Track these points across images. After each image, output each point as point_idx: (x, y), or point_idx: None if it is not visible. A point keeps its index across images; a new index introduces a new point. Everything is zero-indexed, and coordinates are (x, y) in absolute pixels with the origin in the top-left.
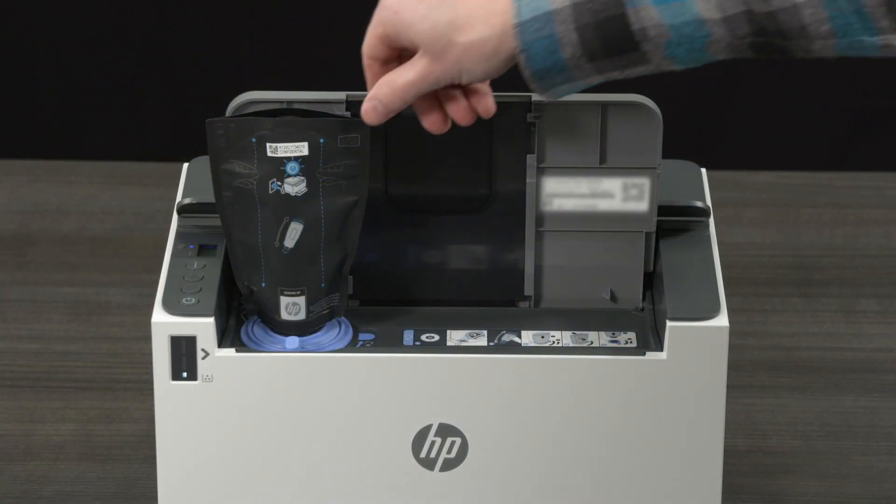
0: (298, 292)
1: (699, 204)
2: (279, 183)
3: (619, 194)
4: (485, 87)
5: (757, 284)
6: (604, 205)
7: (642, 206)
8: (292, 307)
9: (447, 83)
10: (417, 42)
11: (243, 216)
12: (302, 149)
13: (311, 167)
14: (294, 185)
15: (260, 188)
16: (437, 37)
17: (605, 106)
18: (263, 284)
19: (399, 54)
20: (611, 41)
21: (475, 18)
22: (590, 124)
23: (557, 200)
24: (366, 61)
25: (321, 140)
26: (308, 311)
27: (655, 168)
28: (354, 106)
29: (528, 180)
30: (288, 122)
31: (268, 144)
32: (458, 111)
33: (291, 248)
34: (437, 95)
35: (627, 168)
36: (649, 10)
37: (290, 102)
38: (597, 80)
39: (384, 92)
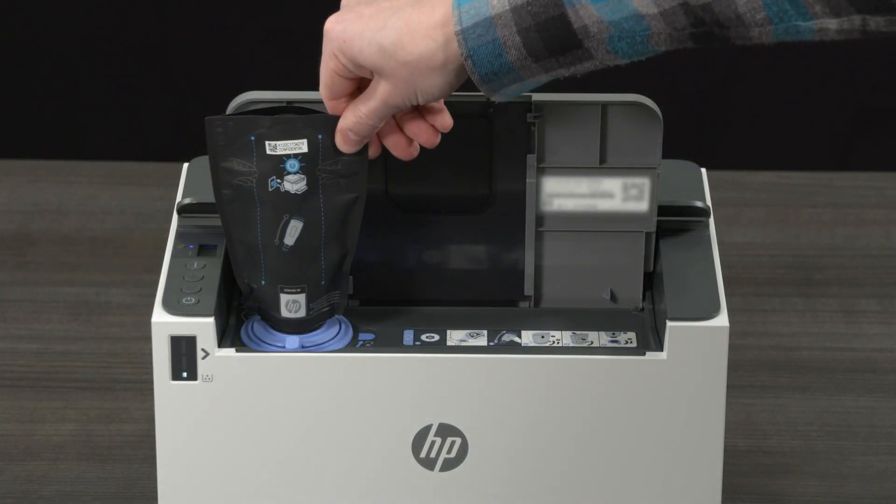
0: (298, 290)
1: (699, 204)
2: (279, 181)
3: (619, 194)
4: (439, 104)
5: (757, 284)
6: (604, 205)
7: (642, 206)
8: (292, 304)
9: (407, 104)
10: (369, 66)
11: (243, 214)
12: (301, 146)
13: (311, 164)
14: (294, 183)
15: (259, 186)
16: (386, 58)
17: (605, 106)
18: (263, 282)
19: (358, 85)
20: (554, 41)
21: (418, 34)
22: (590, 124)
23: (557, 200)
24: (329, 105)
25: (320, 137)
26: (308, 309)
27: (655, 168)
28: None
29: (528, 180)
30: (287, 119)
31: (267, 143)
32: (421, 132)
33: (291, 246)
34: (396, 120)
35: (627, 168)
36: (588, 8)
37: (290, 102)
38: (545, 78)
39: (351, 121)
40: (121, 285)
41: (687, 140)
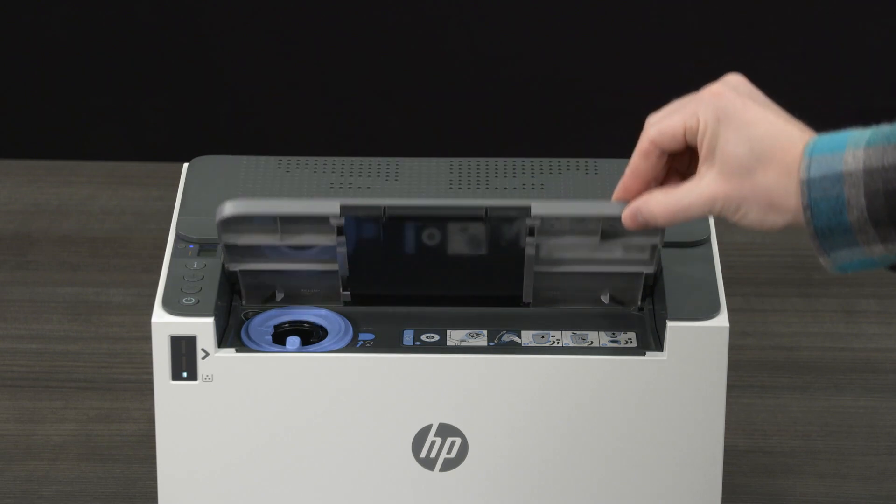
0: None
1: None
2: None
3: (622, 255)
4: None
5: (757, 284)
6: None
7: (644, 256)
8: None
9: (726, 216)
10: (728, 149)
11: None
12: None
13: None
14: None
15: None
16: (751, 161)
17: (606, 219)
18: None
19: (684, 152)
20: None
21: (779, 165)
22: (591, 230)
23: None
24: (647, 146)
25: None
26: None
27: (657, 244)
28: (347, 210)
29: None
30: None
31: None
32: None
33: None
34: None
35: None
36: None
37: (281, 218)
38: (878, 249)
39: (654, 210)
40: (121, 285)
41: None
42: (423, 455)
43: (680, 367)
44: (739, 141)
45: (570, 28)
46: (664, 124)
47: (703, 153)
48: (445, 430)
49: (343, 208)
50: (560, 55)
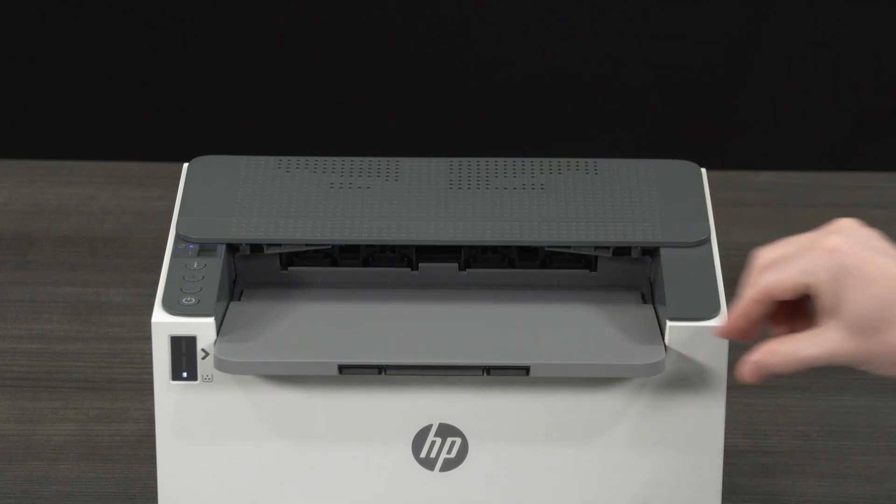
0: None
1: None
2: None
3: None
4: None
5: None
6: None
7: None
8: None
9: (848, 365)
10: (851, 307)
11: None
12: None
13: None
14: None
15: None
16: (883, 308)
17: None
18: None
19: (798, 301)
20: None
21: None
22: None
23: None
24: (760, 295)
25: None
26: None
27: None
28: (346, 370)
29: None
30: None
31: None
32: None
33: None
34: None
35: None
36: None
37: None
38: None
39: (777, 362)
40: (121, 285)
41: (687, 140)
42: (423, 455)
43: (680, 367)
44: (863, 299)
45: (571, 28)
46: (779, 277)
47: (824, 308)
48: (445, 430)
49: (342, 368)
50: (560, 55)
